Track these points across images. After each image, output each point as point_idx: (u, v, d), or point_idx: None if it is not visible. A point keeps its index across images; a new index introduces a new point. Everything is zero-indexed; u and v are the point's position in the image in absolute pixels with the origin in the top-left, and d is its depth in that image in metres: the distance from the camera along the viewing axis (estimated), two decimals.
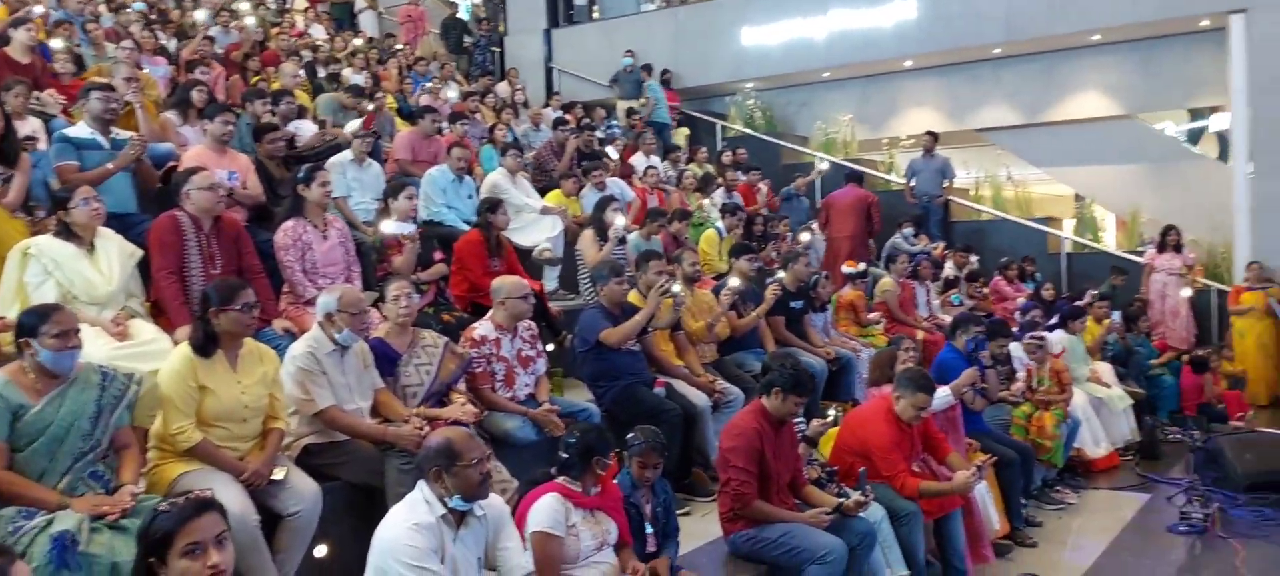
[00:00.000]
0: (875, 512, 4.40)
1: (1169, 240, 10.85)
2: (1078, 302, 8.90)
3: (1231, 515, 6.11)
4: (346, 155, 6.65)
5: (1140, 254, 11.89)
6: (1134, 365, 8.93)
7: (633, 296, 5.73)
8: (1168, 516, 6.06)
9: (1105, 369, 8.25)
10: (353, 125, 7.04)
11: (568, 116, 10.95)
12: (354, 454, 3.97)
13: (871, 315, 8.08)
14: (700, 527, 4.76)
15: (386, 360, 4.31)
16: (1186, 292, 10.22)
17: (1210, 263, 12.17)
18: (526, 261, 6.77)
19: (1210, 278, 11.59)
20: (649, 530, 3.84)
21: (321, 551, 3.75)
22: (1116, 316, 9.24)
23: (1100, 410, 7.63)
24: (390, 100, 9.73)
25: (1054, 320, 8.29)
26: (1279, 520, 6.06)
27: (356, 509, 3.87)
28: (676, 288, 5.55)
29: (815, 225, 10.17)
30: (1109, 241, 14.23)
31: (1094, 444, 7.37)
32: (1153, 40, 12.66)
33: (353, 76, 10.00)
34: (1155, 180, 13.78)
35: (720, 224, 8.65)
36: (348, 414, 3.99)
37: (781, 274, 7.13)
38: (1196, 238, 12.14)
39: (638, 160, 9.88)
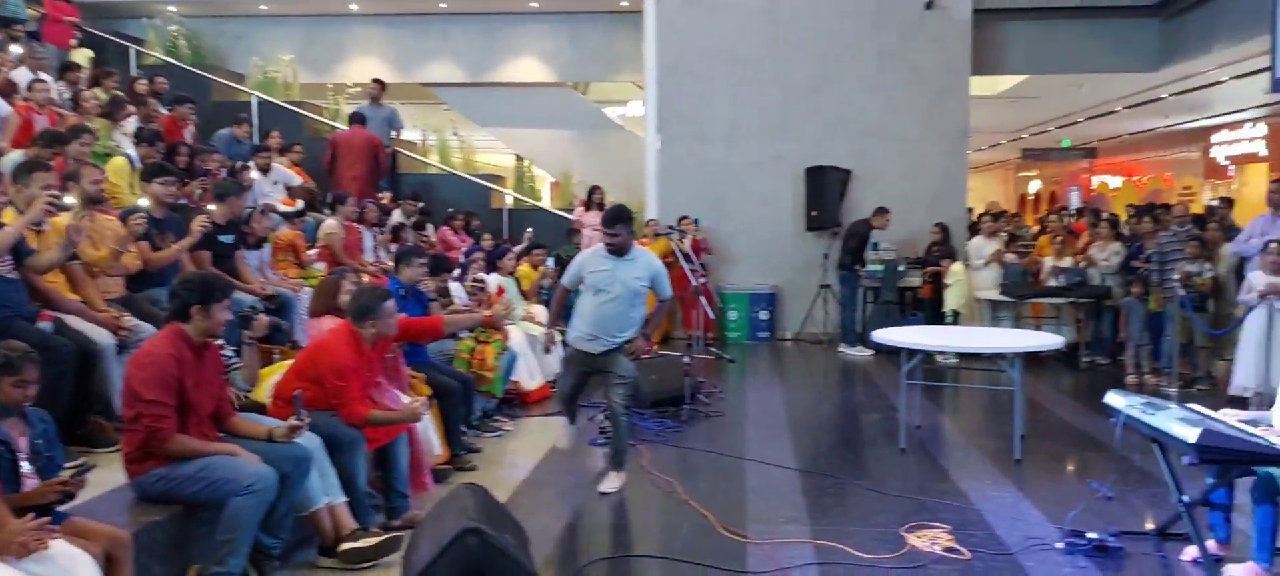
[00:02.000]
0: (312, 439, 4.09)
1: (594, 199, 12.03)
2: (516, 246, 9.44)
3: (641, 426, 6.91)
4: None
5: (571, 211, 13.02)
6: None
7: (7, 215, 4.65)
8: (591, 432, 6.63)
9: (539, 310, 8.82)
10: None
11: None
12: None
13: (311, 254, 7.67)
14: (101, 478, 4.00)
15: None
16: None
17: None
18: None
19: None
20: (26, 468, 3.06)
21: None
22: (551, 263, 9.95)
23: (535, 346, 8.13)
24: None
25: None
26: (674, 426, 6.99)
27: None
28: (70, 199, 4.62)
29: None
30: (546, 200, 15.45)
31: (529, 377, 7.81)
32: (581, 15, 13.90)
33: None
34: (585, 146, 15.21)
35: (132, 151, 7.52)
36: None
37: (212, 207, 6.44)
38: (616, 199, 13.64)
39: (20, 75, 8.16)
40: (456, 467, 5.68)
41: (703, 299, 8.84)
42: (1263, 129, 17.50)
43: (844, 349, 10.78)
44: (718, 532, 4.72)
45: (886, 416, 7.47)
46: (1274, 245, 7.26)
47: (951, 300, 10.31)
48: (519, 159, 16.37)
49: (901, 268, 10.95)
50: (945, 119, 11.78)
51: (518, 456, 6.28)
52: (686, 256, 9.32)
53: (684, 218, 11.09)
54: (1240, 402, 6.89)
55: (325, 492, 4.10)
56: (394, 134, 11.91)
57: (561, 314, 5.96)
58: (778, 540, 4.60)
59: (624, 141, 15.35)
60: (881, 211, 10.84)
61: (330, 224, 8.18)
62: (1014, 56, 12.99)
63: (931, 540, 4.55)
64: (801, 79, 11.82)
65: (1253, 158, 18.04)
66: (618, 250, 5.36)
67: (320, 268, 7.60)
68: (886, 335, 6.68)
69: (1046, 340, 6.88)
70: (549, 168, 16.39)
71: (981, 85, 13.41)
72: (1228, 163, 19.04)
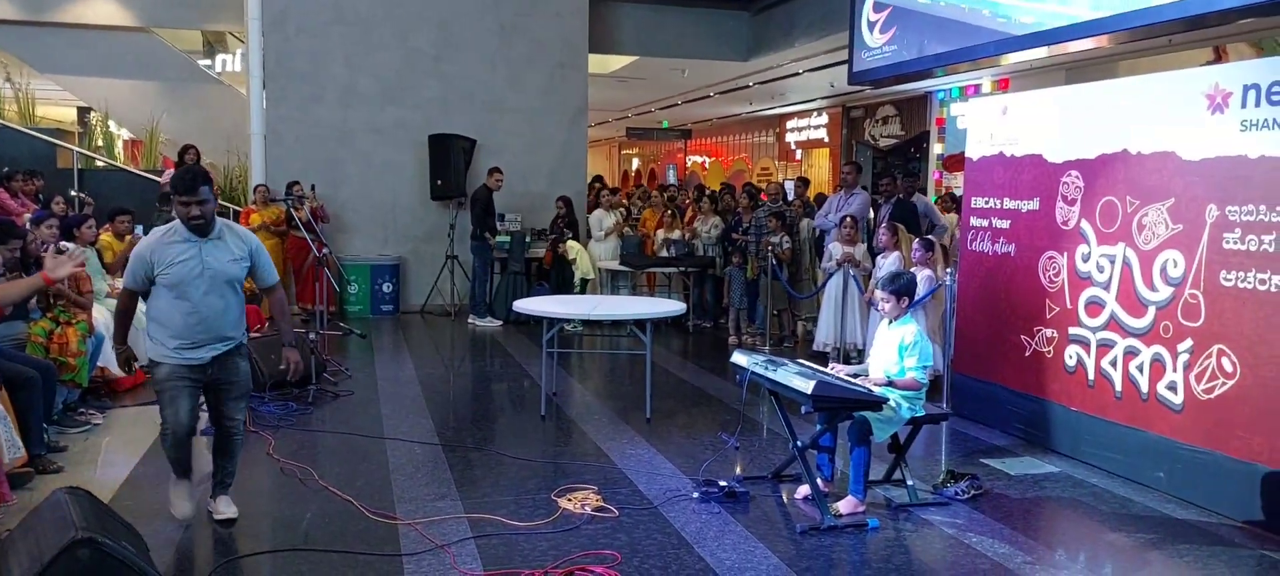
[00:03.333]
0: None
1: (186, 160, 10.75)
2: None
3: (263, 410, 6.31)
4: None
5: (160, 173, 11.58)
6: None
7: None
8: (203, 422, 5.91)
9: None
10: None
11: None
12: None
13: None
14: None
15: None
16: None
17: (226, 185, 12.54)
18: None
19: (227, 199, 11.93)
20: None
21: None
22: (140, 230, 8.75)
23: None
24: None
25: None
26: (300, 409, 6.48)
27: None
28: None
29: None
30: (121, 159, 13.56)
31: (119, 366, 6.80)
32: None
33: None
34: (174, 100, 13.57)
35: None
36: None
37: None
38: (214, 161, 12.35)
39: None
40: (39, 470, 4.79)
41: (327, 270, 8.29)
42: (825, 118, 20.19)
43: (474, 320, 10.72)
44: (364, 517, 4.43)
45: (522, 385, 7.52)
46: (847, 220, 8.36)
47: (582, 269, 10.64)
48: (82, 112, 14.22)
49: (528, 239, 11.11)
50: (566, 94, 12.11)
51: (113, 453, 5.43)
52: (308, 226, 8.68)
53: (295, 183, 10.33)
54: (822, 358, 7.87)
55: None
56: None
57: (127, 328, 4.33)
58: (430, 518, 4.42)
59: (223, 97, 13.95)
60: (494, 171, 10.82)
61: None
62: (627, 38, 13.69)
63: (582, 502, 4.63)
64: (422, 44, 11.51)
65: (819, 143, 20.76)
66: (200, 227, 4.03)
67: None
68: (529, 304, 6.71)
69: (671, 307, 7.33)
70: (129, 123, 14.44)
71: (596, 64, 13.98)
72: (797, 146, 21.73)
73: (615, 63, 15.20)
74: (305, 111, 11.15)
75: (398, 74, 11.45)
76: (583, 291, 10.48)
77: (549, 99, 12.03)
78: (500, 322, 10.47)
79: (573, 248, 10.72)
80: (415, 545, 4.10)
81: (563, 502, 4.64)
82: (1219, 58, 10.42)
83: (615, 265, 10.77)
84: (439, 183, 11.38)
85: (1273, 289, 4.41)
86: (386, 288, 11.37)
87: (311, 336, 7.26)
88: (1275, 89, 4.43)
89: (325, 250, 8.87)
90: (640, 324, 6.65)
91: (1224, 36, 10.07)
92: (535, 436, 6.06)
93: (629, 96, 20.02)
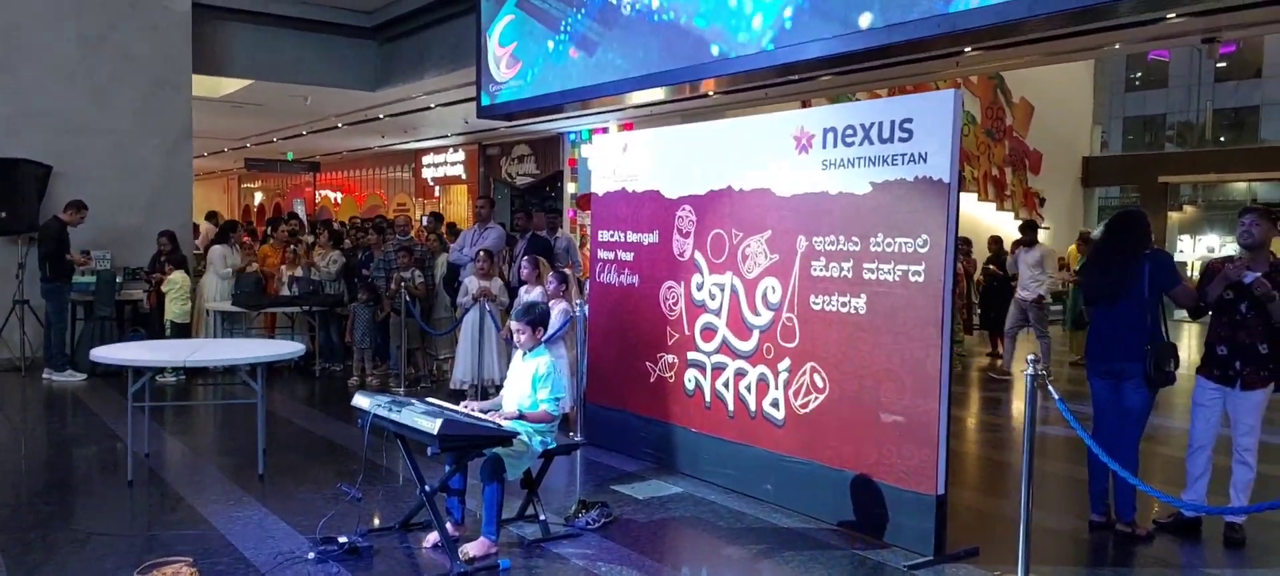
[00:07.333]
0: None
1: None
2: None
3: None
4: None
5: None
6: None
7: None
8: None
9: None
10: None
11: None
12: None
13: None
14: None
15: None
16: None
17: None
18: None
19: None
20: None
21: None
22: None
23: None
24: None
25: None
26: None
27: None
28: None
29: None
30: None
31: None
32: None
33: None
34: None
35: None
36: None
37: None
38: None
39: None
40: None
41: None
42: (462, 154, 20.08)
43: (51, 375, 9.18)
44: None
45: (109, 447, 6.51)
46: (482, 254, 8.25)
47: (171, 310, 9.44)
48: None
49: (119, 279, 9.76)
50: (165, 116, 10.89)
51: None
52: None
53: None
54: (459, 396, 7.65)
55: None
56: None
57: None
58: None
59: None
60: (75, 206, 9.44)
61: None
62: (238, 59, 12.65)
63: None
64: None
65: (456, 179, 20.59)
66: None
67: None
68: (107, 352, 5.80)
69: (285, 348, 6.73)
70: None
71: (204, 86, 12.76)
72: (434, 183, 21.41)
73: (228, 86, 13.98)
74: None
75: None
76: (174, 335, 9.29)
77: (144, 121, 10.73)
78: (84, 377, 9.06)
79: (174, 280, 9.46)
80: None
81: None
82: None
83: (227, 306, 9.76)
84: (3, 216, 9.67)
85: (851, 310, 4.91)
86: None
87: None
88: (849, 132, 4.95)
89: None
90: (252, 370, 6.01)
91: (808, 92, 11.39)
92: (119, 506, 5.21)
93: (247, 125, 18.56)
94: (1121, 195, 25.15)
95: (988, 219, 17.48)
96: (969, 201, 16.63)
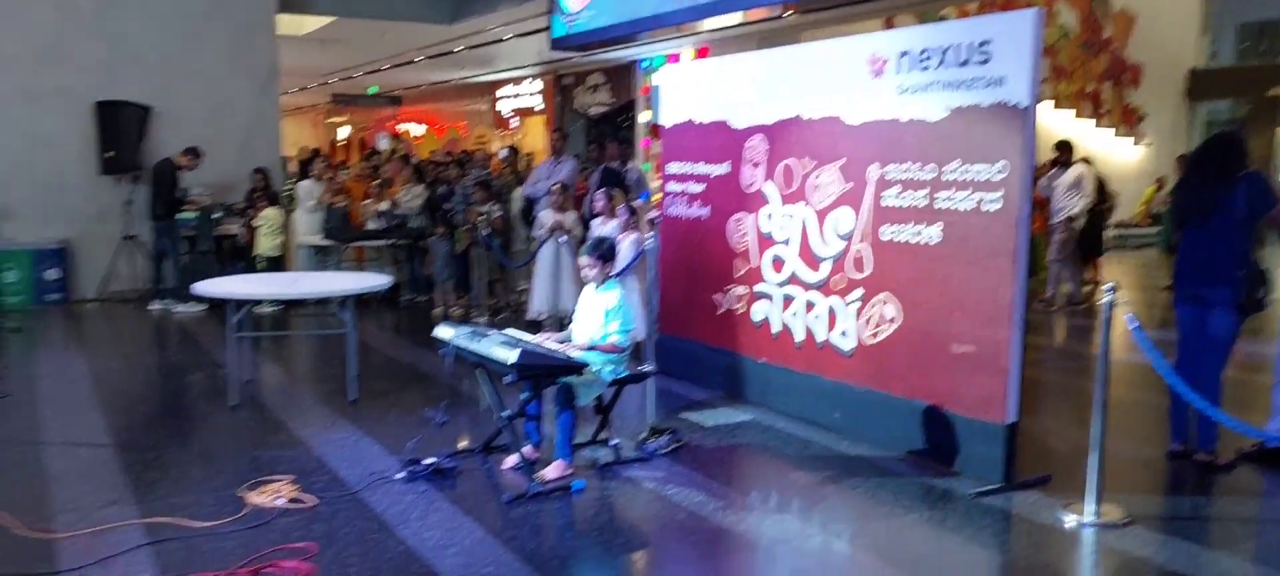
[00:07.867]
0: None
1: None
2: None
3: None
4: None
5: None
6: None
7: None
8: None
9: None
10: None
11: None
12: None
13: None
14: None
15: None
16: None
17: None
18: None
19: None
20: None
21: None
22: None
23: None
24: None
25: None
26: None
27: None
28: None
29: None
30: None
31: None
32: None
33: None
34: None
35: None
36: None
37: None
38: None
39: None
40: None
41: None
42: (539, 84, 20.20)
43: (159, 306, 9.73)
44: (13, 534, 3.87)
45: (213, 375, 6.93)
46: (556, 187, 8.39)
47: (263, 246, 9.87)
48: None
49: (217, 215, 10.23)
50: (253, 57, 11.24)
51: None
52: None
53: None
54: (536, 326, 7.87)
55: None
56: None
57: None
58: (95, 527, 3.94)
59: None
60: (190, 152, 9.93)
61: None
62: None
63: (274, 494, 4.32)
64: (79, 0, 10.21)
65: (532, 110, 20.75)
66: None
67: None
68: (209, 286, 6.15)
69: (374, 281, 7.01)
70: None
71: (289, 25, 13.09)
72: (512, 115, 21.62)
73: (311, 23, 14.30)
74: None
75: (52, 34, 10.09)
76: (266, 270, 9.69)
77: (235, 62, 11.11)
78: (205, 307, 9.54)
79: (267, 216, 9.91)
80: (76, 558, 3.64)
81: (252, 497, 4.30)
82: (889, 27, 11.49)
83: (319, 240, 10.17)
84: (110, 156, 10.20)
85: (925, 241, 4.91)
86: (51, 274, 10.07)
87: None
88: (925, 55, 4.89)
89: None
90: (342, 301, 6.31)
91: (892, 9, 11.12)
92: (224, 429, 5.59)
93: (330, 60, 18.96)
94: (1232, 110, 23.59)
95: (1085, 139, 16.87)
96: (1064, 119, 15.94)
